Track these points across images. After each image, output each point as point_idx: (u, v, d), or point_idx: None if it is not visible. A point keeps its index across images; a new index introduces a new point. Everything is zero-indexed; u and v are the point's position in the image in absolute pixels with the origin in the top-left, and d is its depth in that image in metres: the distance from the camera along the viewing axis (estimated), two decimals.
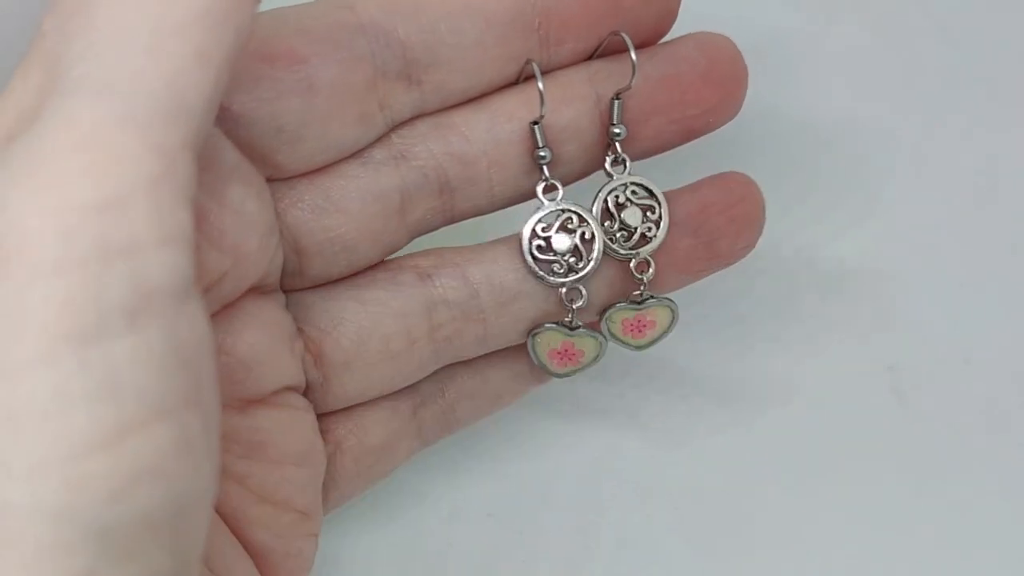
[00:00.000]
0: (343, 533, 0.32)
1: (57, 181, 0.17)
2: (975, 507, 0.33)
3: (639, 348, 0.30)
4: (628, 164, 0.28)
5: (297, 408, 0.26)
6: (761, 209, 0.30)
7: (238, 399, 0.24)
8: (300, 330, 0.27)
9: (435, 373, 0.28)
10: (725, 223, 0.29)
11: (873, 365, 0.35)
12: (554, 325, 0.28)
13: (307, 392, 0.27)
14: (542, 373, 0.30)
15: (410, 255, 0.28)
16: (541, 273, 0.28)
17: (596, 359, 0.29)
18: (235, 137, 0.24)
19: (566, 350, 0.28)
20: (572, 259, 0.28)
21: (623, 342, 0.29)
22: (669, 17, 0.28)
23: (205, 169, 0.22)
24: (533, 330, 0.28)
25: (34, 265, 0.17)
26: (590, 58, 0.28)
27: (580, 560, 0.32)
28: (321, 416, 0.27)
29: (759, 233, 0.30)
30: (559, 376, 0.29)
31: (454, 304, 0.28)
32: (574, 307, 0.28)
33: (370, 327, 0.27)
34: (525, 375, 0.30)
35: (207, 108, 0.19)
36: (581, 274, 0.28)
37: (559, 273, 0.28)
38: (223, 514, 0.25)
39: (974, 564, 0.32)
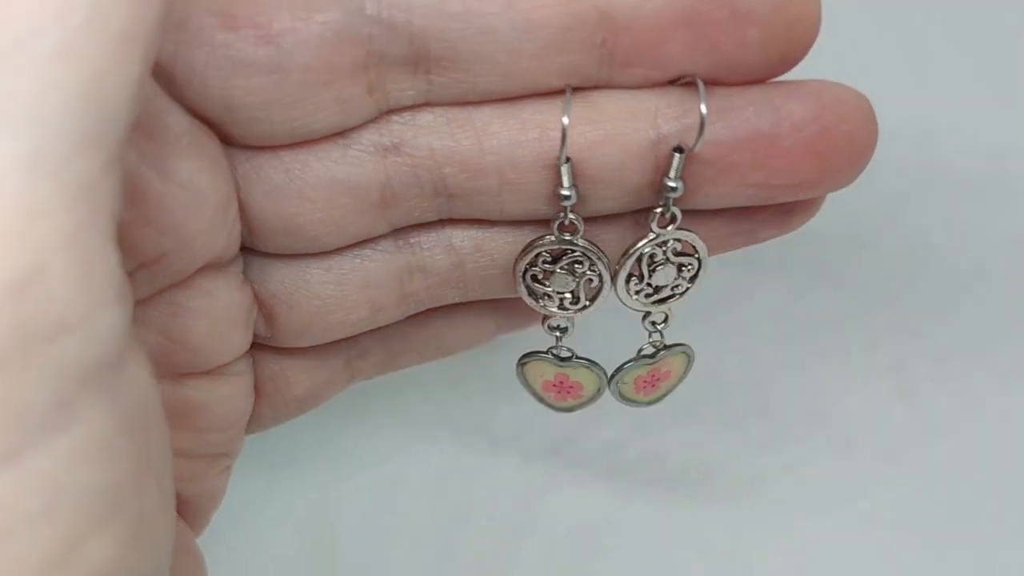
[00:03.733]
0: None
1: None
2: (976, 506, 0.32)
3: (649, 404, 0.26)
4: (678, 219, 0.23)
5: (237, 375, 0.24)
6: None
7: (177, 372, 0.22)
8: (255, 295, 0.24)
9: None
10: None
11: (875, 364, 0.34)
12: (542, 354, 0.25)
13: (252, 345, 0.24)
14: (507, 325, 0.26)
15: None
16: (530, 300, 0.24)
17: (599, 392, 0.26)
18: (181, 102, 0.20)
19: (561, 382, 0.26)
20: (567, 297, 0.24)
21: (632, 401, 0.26)
22: (784, 65, 0.21)
23: (147, 136, 0.19)
24: (521, 358, 0.25)
25: None
26: (671, 83, 0.22)
27: None
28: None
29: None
30: (561, 410, 0.26)
31: (432, 272, 0.24)
32: (559, 337, 0.25)
33: (332, 299, 0.24)
34: (484, 329, 0.26)
35: (132, 107, 0.16)
36: (570, 312, 0.24)
37: (549, 306, 0.24)
38: None
39: (975, 563, 0.31)
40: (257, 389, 0.25)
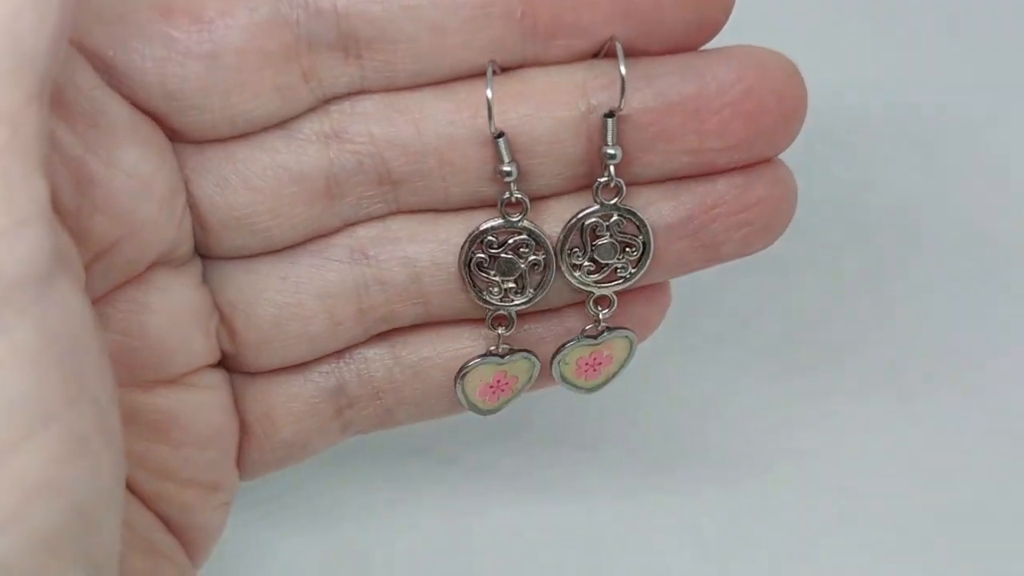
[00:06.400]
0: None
1: None
2: (976, 506, 0.31)
3: (590, 391, 0.26)
4: (623, 190, 0.23)
5: (209, 387, 0.24)
6: (790, 208, 0.24)
7: (146, 381, 0.22)
8: (215, 302, 0.24)
9: (368, 377, 0.25)
10: (735, 227, 0.24)
11: (874, 364, 0.33)
12: (481, 359, 0.24)
13: (222, 361, 0.25)
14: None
15: (351, 225, 0.24)
16: (472, 291, 0.24)
17: (529, 380, 0.25)
18: (123, 95, 0.21)
19: (498, 381, 0.25)
20: (511, 286, 0.24)
21: (574, 386, 0.26)
22: (706, 29, 0.22)
23: (90, 125, 0.20)
24: (461, 370, 0.25)
25: None
26: (597, 55, 0.23)
27: None
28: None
29: (781, 232, 0.24)
30: (488, 413, 0.26)
31: (390, 285, 0.24)
32: (500, 333, 0.24)
33: (289, 308, 0.24)
34: None
35: (51, 50, 0.17)
36: (514, 304, 0.24)
37: (493, 296, 0.24)
38: None
39: (974, 564, 0.31)
40: (245, 430, 0.25)
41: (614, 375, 0.26)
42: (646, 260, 0.24)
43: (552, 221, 0.24)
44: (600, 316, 0.24)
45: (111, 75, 0.21)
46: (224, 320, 0.24)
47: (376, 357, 0.25)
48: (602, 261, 0.24)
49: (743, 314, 0.34)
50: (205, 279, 0.24)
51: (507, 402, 0.26)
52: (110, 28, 0.21)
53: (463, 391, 0.25)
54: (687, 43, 0.23)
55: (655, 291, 0.25)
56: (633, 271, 0.24)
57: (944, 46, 0.35)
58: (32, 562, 0.16)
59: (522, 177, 0.23)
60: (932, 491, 0.31)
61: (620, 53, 0.22)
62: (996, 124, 0.35)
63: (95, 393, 0.17)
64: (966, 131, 0.35)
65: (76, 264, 0.18)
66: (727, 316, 0.34)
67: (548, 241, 0.24)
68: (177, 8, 0.21)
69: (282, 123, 0.23)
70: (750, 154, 0.23)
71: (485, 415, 0.26)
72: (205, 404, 0.23)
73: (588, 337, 0.24)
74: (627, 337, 0.25)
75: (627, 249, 0.24)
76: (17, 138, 0.16)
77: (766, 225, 0.24)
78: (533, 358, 0.25)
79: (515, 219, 0.23)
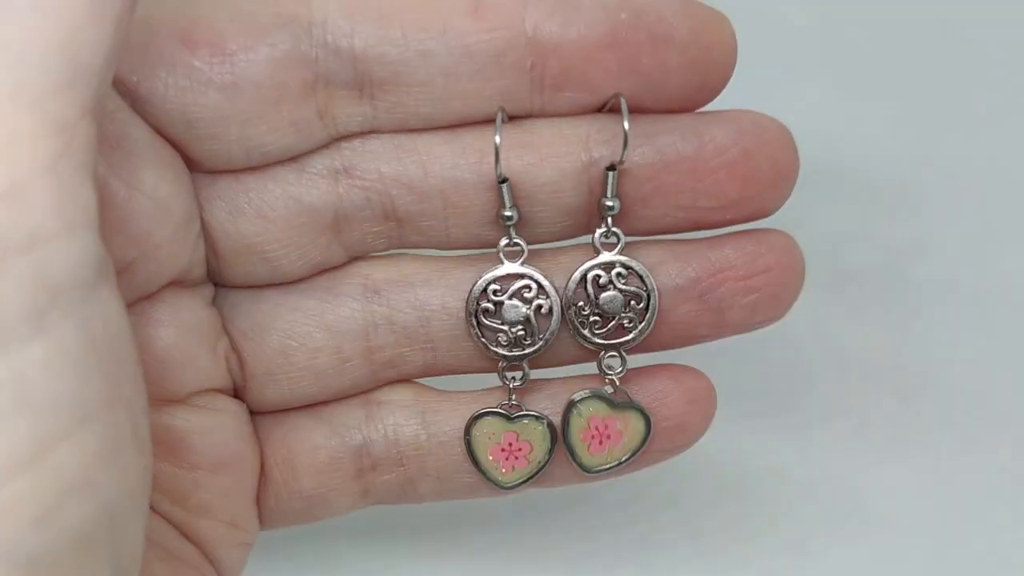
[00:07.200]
0: None
1: None
2: (975, 507, 0.32)
3: (586, 471, 0.24)
4: (622, 241, 0.24)
5: (219, 411, 0.24)
6: (797, 281, 0.24)
7: (154, 397, 0.22)
8: (225, 329, 0.24)
9: (394, 439, 0.25)
10: (742, 293, 0.23)
11: (877, 364, 0.33)
12: (491, 411, 0.24)
13: (236, 393, 0.25)
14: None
15: (366, 259, 0.25)
16: (482, 341, 0.24)
17: (549, 455, 0.24)
18: (145, 119, 0.22)
19: (510, 444, 0.24)
20: (521, 332, 0.24)
21: (572, 453, 0.24)
22: (706, 91, 0.23)
23: (113, 147, 0.20)
24: (469, 420, 0.24)
25: None
26: (601, 109, 0.24)
27: None
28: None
29: (789, 307, 0.24)
30: (507, 487, 0.25)
31: (399, 327, 0.24)
32: (511, 385, 0.24)
33: (297, 339, 0.24)
34: None
35: (105, 67, 0.17)
36: (526, 351, 0.24)
37: (502, 344, 0.24)
38: None
39: (976, 564, 0.31)
40: (264, 473, 0.25)
41: (622, 461, 0.24)
42: (652, 312, 0.24)
43: (551, 267, 0.24)
44: (615, 378, 0.24)
45: (134, 100, 0.21)
46: (234, 348, 0.24)
47: (404, 421, 0.25)
48: (608, 312, 0.24)
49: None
50: (217, 307, 0.24)
51: (526, 478, 0.25)
52: (134, 55, 0.21)
53: (472, 449, 0.24)
54: (687, 103, 0.23)
55: (689, 381, 0.24)
56: (641, 324, 0.24)
57: (923, 95, 0.36)
58: (65, 558, 0.16)
59: (523, 223, 0.24)
60: (945, 508, 0.31)
61: (624, 110, 0.22)
62: (976, 167, 0.35)
63: (130, 398, 0.18)
64: (946, 176, 0.35)
65: (113, 274, 0.19)
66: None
67: (551, 284, 0.24)
68: (200, 39, 0.22)
69: (295, 157, 0.23)
70: (741, 214, 0.23)
71: (504, 489, 0.25)
72: (215, 427, 0.24)
73: (606, 399, 0.24)
74: (645, 416, 0.24)
75: (632, 302, 0.24)
76: (71, 149, 0.17)
77: (774, 294, 0.24)
78: (545, 425, 0.24)
79: (516, 264, 0.24)
